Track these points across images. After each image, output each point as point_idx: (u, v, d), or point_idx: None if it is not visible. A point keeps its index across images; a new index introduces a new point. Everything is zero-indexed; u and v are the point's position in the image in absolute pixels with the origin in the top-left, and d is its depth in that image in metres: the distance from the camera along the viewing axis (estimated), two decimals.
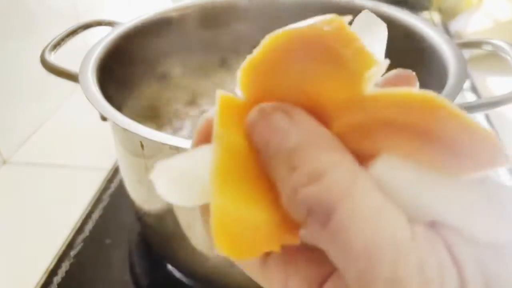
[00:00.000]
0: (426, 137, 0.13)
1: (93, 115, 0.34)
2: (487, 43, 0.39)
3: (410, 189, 0.14)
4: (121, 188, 0.51)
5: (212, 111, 0.15)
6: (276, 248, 0.14)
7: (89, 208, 0.50)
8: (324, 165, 0.14)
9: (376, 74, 0.14)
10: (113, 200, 0.51)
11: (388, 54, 0.17)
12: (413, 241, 0.13)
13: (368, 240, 0.12)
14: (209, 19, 0.49)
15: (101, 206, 0.51)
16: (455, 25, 0.83)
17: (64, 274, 0.43)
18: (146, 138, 0.30)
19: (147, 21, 0.46)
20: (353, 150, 0.14)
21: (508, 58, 0.36)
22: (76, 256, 0.45)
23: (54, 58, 0.40)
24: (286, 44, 0.14)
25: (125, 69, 0.44)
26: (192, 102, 0.49)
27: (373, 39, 0.17)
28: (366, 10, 0.17)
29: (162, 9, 0.47)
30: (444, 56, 0.37)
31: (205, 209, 0.16)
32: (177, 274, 0.42)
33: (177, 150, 0.30)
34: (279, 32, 0.14)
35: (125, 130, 0.30)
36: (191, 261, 0.38)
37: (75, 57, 0.38)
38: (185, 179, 0.15)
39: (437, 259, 0.12)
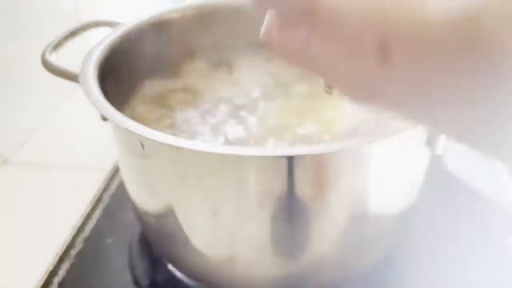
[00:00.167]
0: None
1: (93, 115, 0.34)
2: None
3: None
4: (121, 188, 0.51)
5: None
6: None
7: (90, 208, 0.50)
8: None
9: None
10: (113, 200, 0.51)
11: None
12: None
13: None
14: (208, 20, 0.49)
15: (101, 206, 0.51)
16: None
17: (64, 274, 0.43)
18: (146, 138, 0.30)
19: (147, 22, 0.46)
20: None
21: None
22: (76, 256, 0.45)
23: (55, 58, 0.40)
24: None
25: (125, 70, 0.44)
26: (193, 102, 0.49)
27: None
28: None
29: (162, 10, 0.48)
30: None
31: None
32: (178, 274, 0.42)
33: (177, 150, 0.30)
34: None
35: (125, 130, 0.31)
36: (192, 261, 0.38)
37: (76, 58, 0.38)
38: None
39: None
